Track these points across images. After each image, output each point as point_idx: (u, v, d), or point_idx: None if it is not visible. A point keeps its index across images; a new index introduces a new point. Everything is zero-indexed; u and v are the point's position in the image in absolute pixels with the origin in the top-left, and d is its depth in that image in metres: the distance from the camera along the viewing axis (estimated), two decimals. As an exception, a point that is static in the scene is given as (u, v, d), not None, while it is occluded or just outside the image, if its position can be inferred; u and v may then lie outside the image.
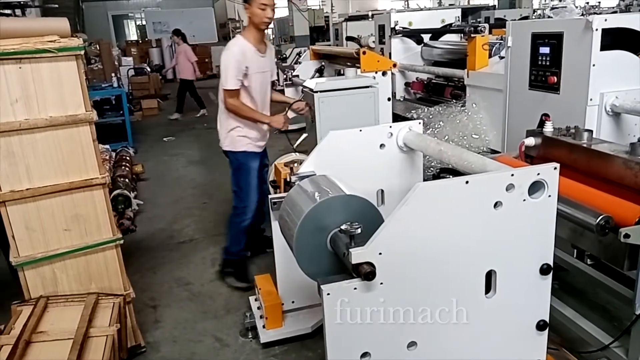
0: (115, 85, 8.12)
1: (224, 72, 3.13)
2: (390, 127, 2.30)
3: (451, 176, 2.05)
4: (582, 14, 3.17)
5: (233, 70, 3.10)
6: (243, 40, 3.21)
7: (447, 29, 5.16)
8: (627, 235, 1.66)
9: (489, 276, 1.54)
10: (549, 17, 3.43)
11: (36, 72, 2.28)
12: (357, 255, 1.38)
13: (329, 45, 9.45)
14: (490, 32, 4.01)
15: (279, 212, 1.85)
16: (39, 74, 2.28)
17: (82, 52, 2.35)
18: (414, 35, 5.31)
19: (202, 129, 8.94)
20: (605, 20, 2.63)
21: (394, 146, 2.32)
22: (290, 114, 3.35)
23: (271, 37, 18.99)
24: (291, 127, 4.60)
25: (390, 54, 5.25)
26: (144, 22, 18.72)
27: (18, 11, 6.88)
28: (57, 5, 9.14)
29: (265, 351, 2.71)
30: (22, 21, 2.91)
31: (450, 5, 14.17)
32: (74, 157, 2.43)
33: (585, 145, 2.12)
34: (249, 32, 3.23)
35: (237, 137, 3.29)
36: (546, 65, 2.95)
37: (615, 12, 7.15)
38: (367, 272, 1.37)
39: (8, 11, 6.60)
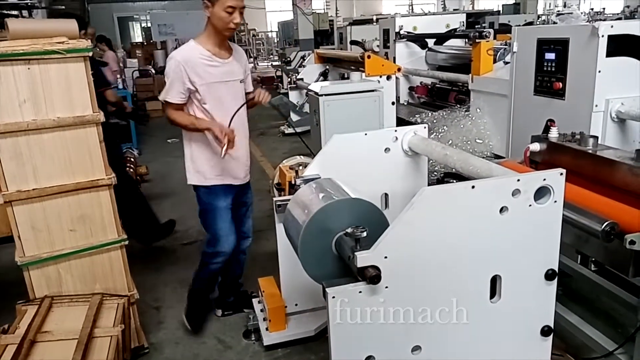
0: (120, 86, 8.15)
1: (166, 83, 2.58)
2: (396, 131, 2.31)
3: (455, 181, 2.06)
4: (588, 20, 3.18)
5: (176, 83, 2.54)
6: (196, 45, 2.58)
7: (451, 34, 5.18)
8: (632, 242, 1.67)
9: (494, 281, 1.54)
10: (554, 22, 3.43)
11: (45, 73, 2.29)
12: (363, 258, 1.38)
13: (333, 49, 9.47)
14: (494, 38, 4.02)
15: (284, 215, 1.86)
16: (48, 75, 2.30)
17: (90, 54, 2.37)
18: (419, 39, 5.34)
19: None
20: (612, 26, 2.64)
21: (399, 150, 2.32)
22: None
23: (275, 41, 19.00)
24: (297, 129, 4.64)
25: (394, 58, 5.28)
26: (149, 24, 18.76)
27: (24, 12, 6.92)
28: (63, 7, 9.18)
29: (268, 354, 2.71)
30: (31, 22, 2.94)
31: (454, 10, 14.23)
32: (81, 157, 2.44)
33: (590, 151, 2.13)
34: (206, 36, 2.58)
35: (198, 167, 2.76)
36: (552, 71, 2.96)
37: (620, 18, 7.14)
38: (372, 276, 1.37)
39: (15, 12, 6.63)
